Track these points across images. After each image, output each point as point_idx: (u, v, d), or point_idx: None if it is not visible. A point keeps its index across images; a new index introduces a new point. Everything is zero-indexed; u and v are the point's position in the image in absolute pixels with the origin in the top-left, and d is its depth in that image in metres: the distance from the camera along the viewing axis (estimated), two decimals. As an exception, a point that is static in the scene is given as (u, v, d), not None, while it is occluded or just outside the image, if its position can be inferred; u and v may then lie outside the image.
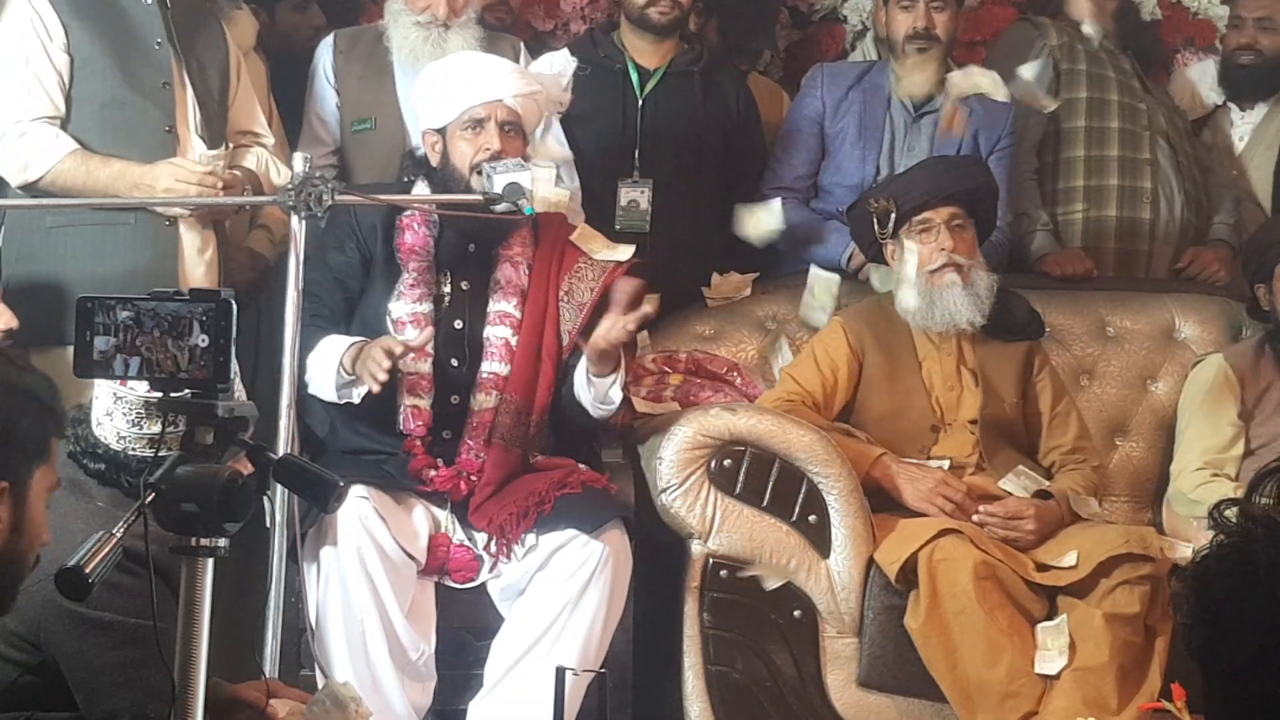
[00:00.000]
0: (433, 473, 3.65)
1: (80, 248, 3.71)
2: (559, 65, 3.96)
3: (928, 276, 4.04)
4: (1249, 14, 5.06)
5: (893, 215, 4.07)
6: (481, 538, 3.64)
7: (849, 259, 4.49)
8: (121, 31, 3.77)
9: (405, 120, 4.29)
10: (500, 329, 3.74)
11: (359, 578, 3.45)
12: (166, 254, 3.78)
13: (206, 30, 3.99)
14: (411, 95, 4.01)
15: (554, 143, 4.33)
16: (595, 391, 3.68)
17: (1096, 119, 4.86)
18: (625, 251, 3.94)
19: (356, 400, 3.59)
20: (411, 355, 3.57)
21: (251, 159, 4.03)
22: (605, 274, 3.83)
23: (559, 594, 3.53)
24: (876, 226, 4.11)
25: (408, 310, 3.70)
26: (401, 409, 3.68)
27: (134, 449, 2.77)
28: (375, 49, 4.35)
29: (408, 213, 3.75)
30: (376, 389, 3.46)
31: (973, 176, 4.20)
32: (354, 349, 3.53)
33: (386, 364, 3.42)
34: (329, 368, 3.56)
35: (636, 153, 4.51)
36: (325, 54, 4.42)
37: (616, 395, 3.70)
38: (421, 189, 3.80)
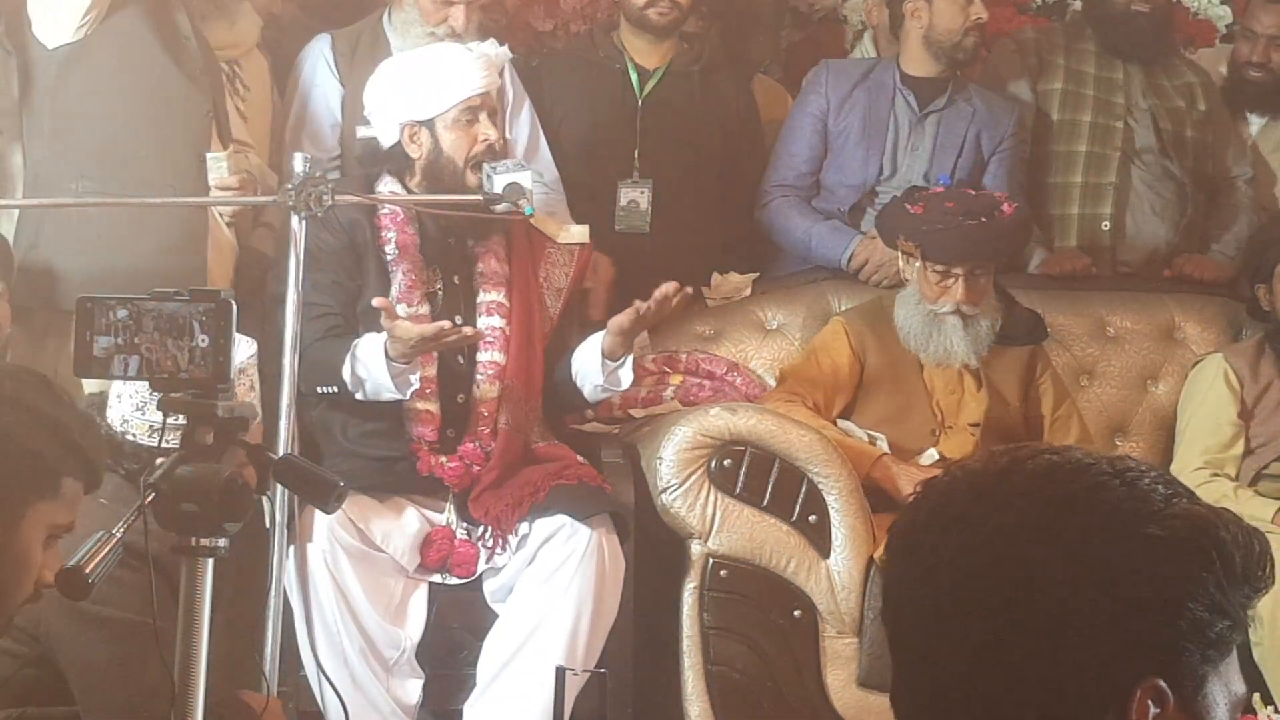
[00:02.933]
0: (443, 459, 3.65)
1: (106, 228, 3.75)
2: (504, 54, 3.96)
3: (933, 314, 4.03)
4: (1263, 30, 4.88)
5: (916, 262, 4.05)
6: (478, 529, 3.65)
7: (849, 259, 4.49)
8: (166, 20, 3.85)
9: None
10: (493, 319, 3.75)
11: (327, 581, 3.47)
12: (197, 240, 3.82)
13: (201, 44, 4.03)
14: (376, 87, 3.88)
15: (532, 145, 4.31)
16: (605, 374, 3.71)
17: (1065, 142, 4.78)
18: (582, 231, 3.98)
19: (417, 384, 3.60)
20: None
21: (250, 163, 4.07)
22: (575, 258, 3.89)
23: (546, 588, 3.54)
24: (901, 262, 4.10)
25: (407, 313, 3.68)
26: (408, 414, 3.68)
27: (133, 434, 2.79)
28: (375, 52, 4.30)
29: (385, 211, 3.72)
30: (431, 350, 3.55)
31: (1008, 245, 4.20)
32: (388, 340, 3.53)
33: (430, 341, 3.45)
34: (379, 365, 3.54)
35: (636, 153, 4.50)
36: (325, 54, 4.32)
37: (627, 377, 3.75)
38: (389, 183, 3.77)
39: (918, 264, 4.05)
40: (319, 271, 3.65)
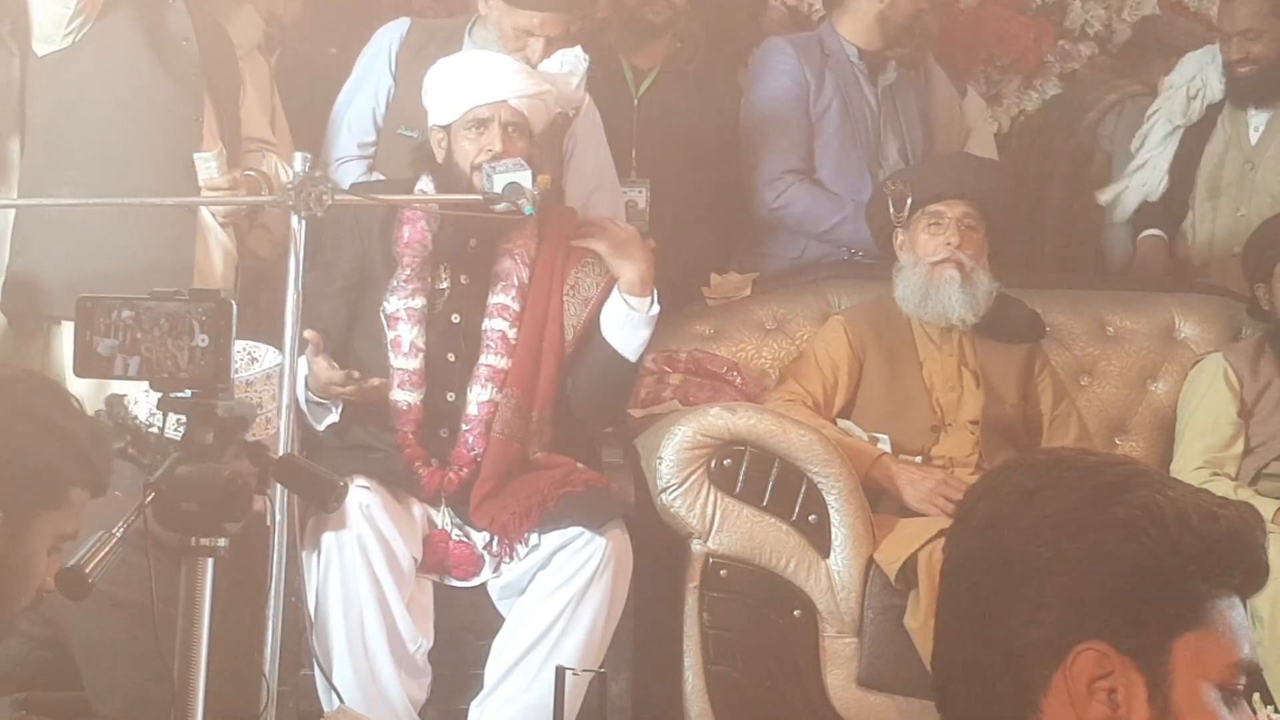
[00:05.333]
0: (421, 469, 3.65)
1: (88, 234, 3.74)
2: (569, 63, 3.95)
3: (929, 267, 4.05)
4: (1233, 29, 4.96)
5: (908, 200, 4.09)
6: (480, 535, 3.64)
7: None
8: (158, 25, 3.85)
9: None
10: (498, 322, 3.74)
11: (360, 566, 3.46)
12: (183, 242, 3.82)
13: (217, 40, 4.05)
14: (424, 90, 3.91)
15: (590, 162, 4.26)
16: (637, 314, 3.70)
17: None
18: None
19: (335, 419, 3.63)
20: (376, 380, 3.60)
21: (266, 163, 4.06)
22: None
23: (561, 593, 3.53)
24: (892, 210, 4.13)
25: (401, 305, 3.70)
26: (392, 405, 3.69)
27: (156, 426, 2.82)
28: (445, 54, 4.23)
29: (409, 207, 3.75)
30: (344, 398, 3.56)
31: (993, 180, 4.22)
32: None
33: (337, 387, 3.47)
34: (301, 391, 3.54)
35: (634, 153, 4.50)
36: (393, 44, 4.25)
37: (655, 309, 3.75)
38: (425, 184, 3.80)
39: (908, 218, 4.09)
40: (328, 262, 3.72)
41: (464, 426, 3.69)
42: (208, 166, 3.79)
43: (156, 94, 3.82)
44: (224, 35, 4.10)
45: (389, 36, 4.28)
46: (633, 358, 3.79)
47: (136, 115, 3.81)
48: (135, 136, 3.81)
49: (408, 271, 3.72)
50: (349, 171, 4.20)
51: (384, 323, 3.70)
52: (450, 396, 3.72)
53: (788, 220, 4.60)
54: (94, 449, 2.13)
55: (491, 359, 3.72)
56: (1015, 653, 1.44)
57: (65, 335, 3.71)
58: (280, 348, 3.35)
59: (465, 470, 3.66)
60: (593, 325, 3.78)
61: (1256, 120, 5.07)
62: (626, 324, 3.73)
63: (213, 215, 3.91)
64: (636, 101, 4.53)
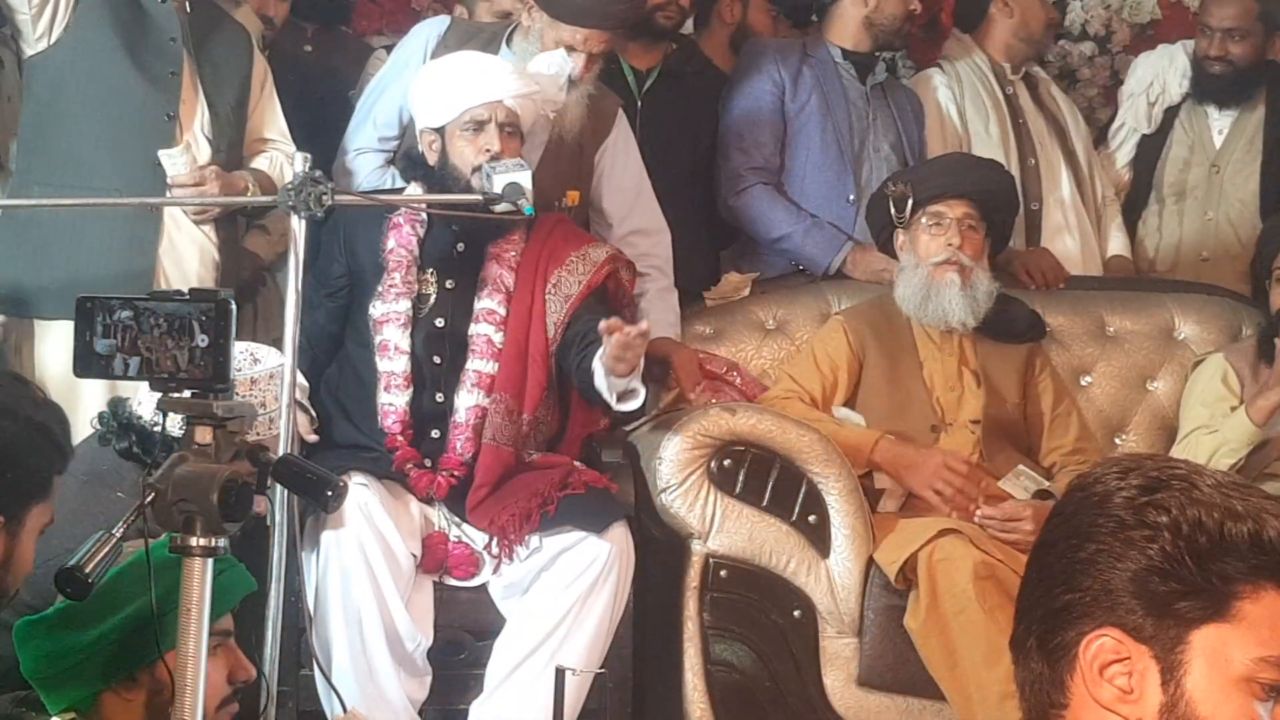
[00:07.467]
0: (411, 468, 3.65)
1: (58, 231, 3.75)
2: (556, 64, 3.94)
3: (930, 269, 4.05)
4: (1218, 24, 4.96)
5: (909, 201, 4.09)
6: (479, 536, 3.64)
7: (841, 263, 4.50)
8: (137, 23, 3.83)
9: None
10: (484, 327, 3.74)
11: (359, 565, 3.47)
12: (145, 243, 3.81)
13: (228, 40, 4.04)
14: (412, 94, 3.93)
15: (632, 179, 4.24)
16: (614, 387, 3.64)
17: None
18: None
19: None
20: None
21: (264, 161, 4.06)
22: (594, 268, 3.85)
23: (566, 595, 3.53)
24: (893, 210, 4.13)
25: (387, 310, 3.73)
26: (380, 407, 3.70)
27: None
28: None
29: (397, 212, 3.75)
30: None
31: (993, 180, 4.22)
32: None
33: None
34: None
35: (634, 153, 4.49)
36: (430, 41, 4.20)
37: (640, 389, 3.64)
38: (415, 190, 3.80)
39: (909, 218, 4.10)
40: (320, 270, 3.77)
41: (453, 432, 3.69)
42: (174, 162, 3.78)
43: (127, 92, 3.80)
44: (238, 37, 4.07)
45: (426, 33, 4.24)
46: (618, 409, 3.70)
47: (105, 114, 3.80)
48: (103, 135, 3.79)
49: (394, 277, 3.73)
50: (365, 163, 4.21)
51: (370, 328, 3.73)
52: (439, 398, 3.73)
53: (741, 220, 4.60)
54: (62, 434, 2.23)
55: (478, 364, 3.72)
56: (1047, 635, 1.58)
57: (44, 333, 3.72)
58: (271, 348, 3.37)
59: (456, 474, 3.66)
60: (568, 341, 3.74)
61: (1219, 123, 5.06)
62: (606, 389, 3.63)
63: (185, 213, 3.89)
64: (639, 103, 4.53)
